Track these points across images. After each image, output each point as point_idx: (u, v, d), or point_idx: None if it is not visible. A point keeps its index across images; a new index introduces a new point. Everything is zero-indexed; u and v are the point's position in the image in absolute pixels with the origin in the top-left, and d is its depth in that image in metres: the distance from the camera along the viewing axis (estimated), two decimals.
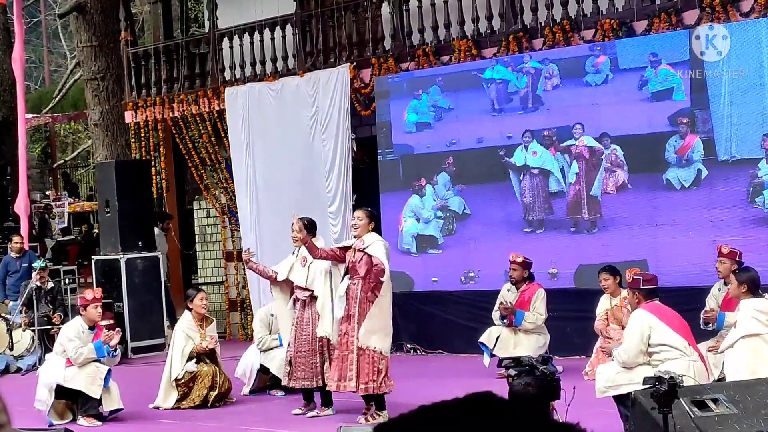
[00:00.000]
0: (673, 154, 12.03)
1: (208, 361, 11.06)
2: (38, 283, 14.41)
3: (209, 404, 10.88)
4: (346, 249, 9.86)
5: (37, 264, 14.83)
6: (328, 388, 9.93)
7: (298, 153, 14.87)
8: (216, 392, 10.92)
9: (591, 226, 12.67)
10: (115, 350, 10.52)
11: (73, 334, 10.39)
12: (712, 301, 10.41)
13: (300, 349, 10.13)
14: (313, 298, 10.09)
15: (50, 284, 14.67)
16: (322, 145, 14.60)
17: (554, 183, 12.95)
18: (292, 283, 10.33)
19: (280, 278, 10.35)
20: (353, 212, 13.94)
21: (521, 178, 13.18)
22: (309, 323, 10.12)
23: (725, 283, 10.11)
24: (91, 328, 10.49)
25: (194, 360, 10.99)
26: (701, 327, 10.09)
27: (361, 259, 9.57)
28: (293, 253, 10.35)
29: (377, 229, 10.04)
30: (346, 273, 9.77)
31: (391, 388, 9.67)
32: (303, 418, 10.17)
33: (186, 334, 11.05)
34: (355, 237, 9.82)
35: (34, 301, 14.21)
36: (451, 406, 1.85)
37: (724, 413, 6.29)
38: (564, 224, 12.88)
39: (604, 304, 11.06)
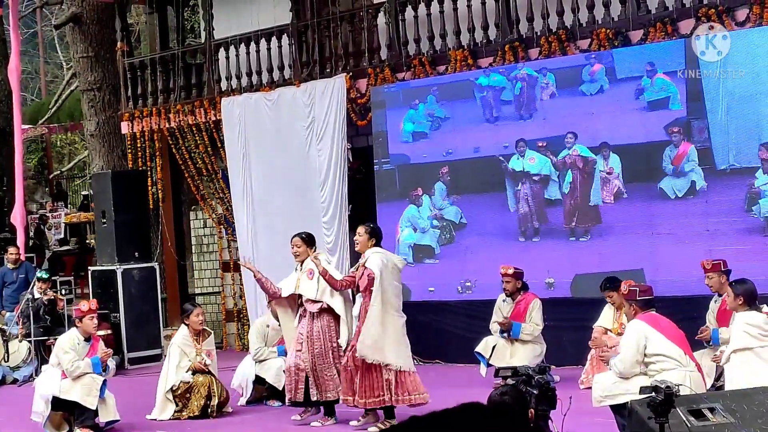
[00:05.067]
0: (670, 164, 12.03)
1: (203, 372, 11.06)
2: (39, 294, 14.43)
3: (209, 414, 10.86)
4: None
5: (39, 275, 14.81)
6: (342, 402, 9.90)
7: (295, 163, 14.86)
8: (215, 401, 10.92)
9: (587, 235, 12.66)
10: (105, 370, 10.47)
11: (68, 346, 10.35)
12: (710, 316, 10.38)
13: (316, 363, 10.08)
14: (323, 310, 10.08)
15: (48, 295, 14.66)
16: (318, 155, 14.60)
17: (553, 190, 12.92)
18: (297, 298, 10.30)
19: (284, 294, 10.34)
20: (347, 224, 14.06)
21: (518, 187, 13.16)
22: (320, 335, 10.08)
23: (719, 295, 10.09)
24: (87, 339, 10.45)
25: (189, 371, 10.98)
26: (705, 344, 10.09)
27: (363, 274, 9.68)
28: (296, 270, 10.34)
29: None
30: (358, 291, 9.87)
31: (408, 401, 9.63)
32: (301, 428, 10.14)
33: (181, 349, 11.04)
34: (358, 252, 9.93)
35: (31, 313, 14.20)
36: (443, 416, 1.84)
37: (721, 422, 6.27)
38: (560, 233, 12.87)
39: (607, 312, 11.02)
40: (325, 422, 10.14)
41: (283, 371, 10.87)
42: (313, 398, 10.15)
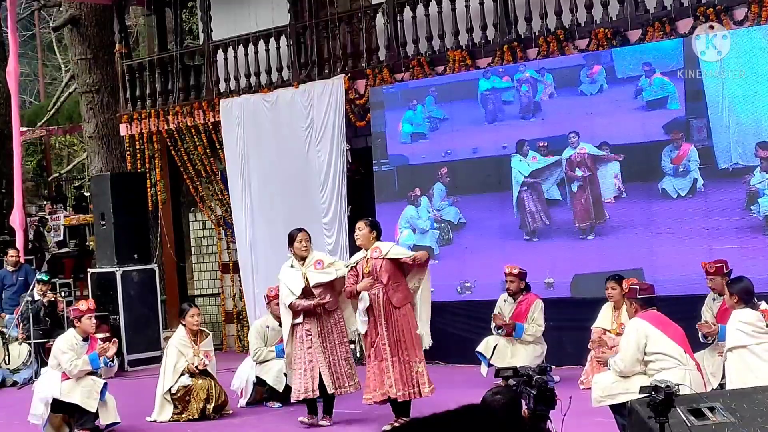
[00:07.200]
0: (669, 164, 12.03)
1: (201, 374, 11.05)
2: (39, 296, 14.43)
3: (207, 416, 10.86)
4: (354, 267, 9.83)
5: (40, 277, 14.80)
6: (365, 402, 9.85)
7: (294, 164, 14.86)
8: (212, 404, 10.91)
9: (587, 235, 12.65)
10: (113, 360, 10.49)
11: (66, 346, 10.33)
12: (707, 313, 10.36)
13: (330, 359, 10.03)
14: (334, 308, 10.10)
15: (48, 297, 14.66)
16: (317, 157, 14.60)
17: (553, 190, 12.90)
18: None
19: (297, 294, 10.03)
20: (347, 225, 14.04)
21: (524, 187, 13.11)
22: (333, 330, 10.11)
23: (721, 295, 10.08)
24: (85, 339, 10.45)
25: (188, 374, 10.97)
26: (701, 341, 10.06)
27: (381, 266, 9.56)
28: (291, 266, 10.24)
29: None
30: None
31: (428, 393, 9.69)
32: (302, 429, 10.13)
33: (178, 350, 11.03)
34: (360, 247, 9.81)
35: (31, 315, 14.20)
36: (443, 419, 1.84)
37: (721, 422, 6.26)
38: (560, 233, 12.86)
39: (605, 312, 11.02)
40: (329, 421, 10.13)
41: (284, 374, 10.80)
42: (330, 392, 10.05)
